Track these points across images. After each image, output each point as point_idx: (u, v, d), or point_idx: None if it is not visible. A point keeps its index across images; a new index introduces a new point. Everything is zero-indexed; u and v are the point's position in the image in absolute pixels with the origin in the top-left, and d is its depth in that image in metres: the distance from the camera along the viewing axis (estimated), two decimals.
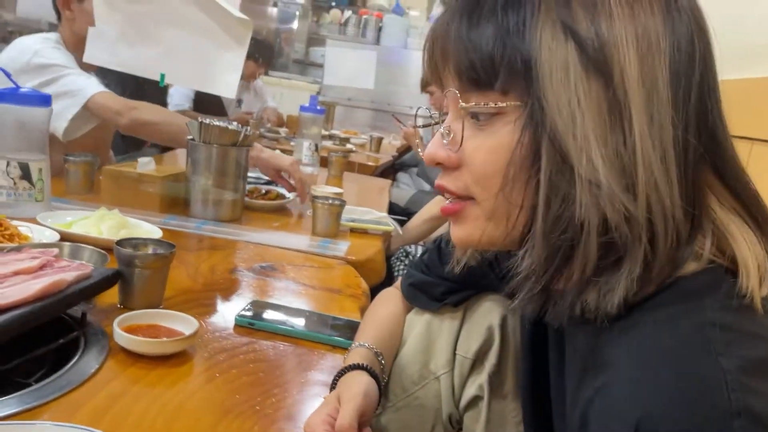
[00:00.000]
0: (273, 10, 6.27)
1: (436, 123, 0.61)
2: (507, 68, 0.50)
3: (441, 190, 0.58)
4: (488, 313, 0.83)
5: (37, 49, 1.69)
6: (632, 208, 0.47)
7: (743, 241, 0.50)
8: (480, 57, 0.51)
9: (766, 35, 1.01)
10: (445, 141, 0.55)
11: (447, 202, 0.58)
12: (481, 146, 0.53)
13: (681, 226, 0.49)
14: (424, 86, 3.20)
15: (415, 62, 5.37)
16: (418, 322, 0.87)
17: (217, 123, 1.46)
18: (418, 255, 0.96)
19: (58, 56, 1.71)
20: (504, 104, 0.51)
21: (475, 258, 0.68)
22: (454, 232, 0.58)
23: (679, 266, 0.49)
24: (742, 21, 1.27)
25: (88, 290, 0.81)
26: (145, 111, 1.73)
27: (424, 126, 0.72)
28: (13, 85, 1.28)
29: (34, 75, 1.66)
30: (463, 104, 0.53)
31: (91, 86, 1.69)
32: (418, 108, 0.68)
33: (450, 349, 0.83)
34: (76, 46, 1.81)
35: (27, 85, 1.66)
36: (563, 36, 0.48)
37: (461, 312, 0.85)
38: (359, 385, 0.71)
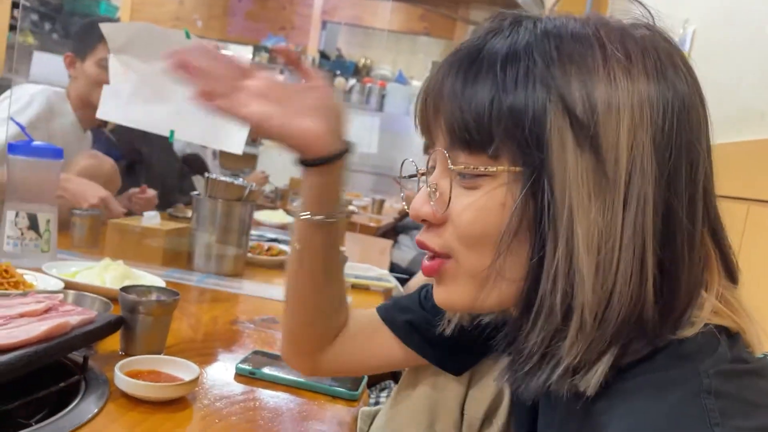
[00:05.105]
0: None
1: (422, 174, 0.60)
2: (502, 133, 0.48)
3: (421, 247, 0.56)
4: (497, 372, 0.80)
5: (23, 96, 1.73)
6: (597, 292, 0.46)
7: (739, 306, 0.50)
8: (474, 118, 0.49)
9: (760, 99, 1.05)
10: (431, 198, 0.54)
11: (425, 259, 0.56)
12: (470, 207, 0.51)
13: (661, 305, 0.48)
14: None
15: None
16: (422, 378, 0.83)
17: (223, 178, 1.49)
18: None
19: (22, 114, 1.70)
20: (494, 169, 0.50)
21: (466, 320, 0.67)
22: (437, 292, 0.57)
23: (673, 333, 0.48)
24: (738, 86, 1.31)
25: (91, 334, 0.81)
26: None
27: (409, 177, 0.67)
28: (27, 138, 1.32)
29: None
30: (452, 166, 0.51)
31: None
32: (404, 160, 0.66)
33: (458, 410, 0.80)
34: (78, 104, 1.87)
35: None
36: (558, 104, 0.47)
37: (468, 372, 0.83)
38: None
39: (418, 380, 0.83)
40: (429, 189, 0.54)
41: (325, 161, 0.68)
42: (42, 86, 1.85)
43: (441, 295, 0.56)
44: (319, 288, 0.74)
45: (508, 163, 0.49)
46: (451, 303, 0.56)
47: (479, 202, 0.51)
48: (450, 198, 0.53)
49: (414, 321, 0.78)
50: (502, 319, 0.63)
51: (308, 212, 0.69)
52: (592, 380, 0.47)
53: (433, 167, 0.56)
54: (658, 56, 0.49)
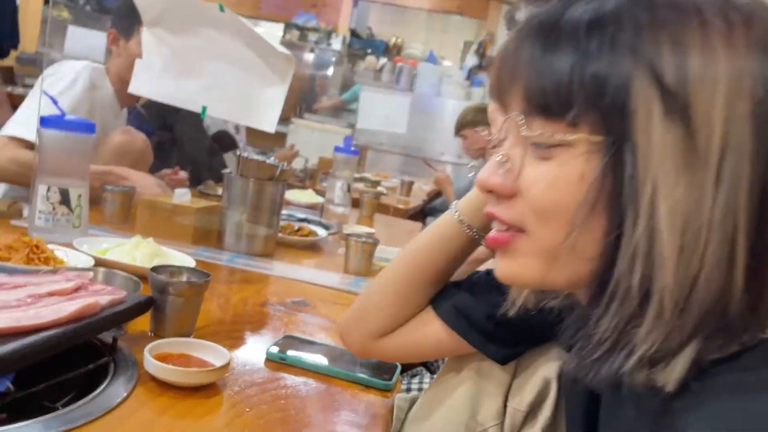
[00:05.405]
0: (310, 56, 6.41)
1: (494, 147, 0.57)
2: (583, 100, 0.45)
3: (491, 218, 0.54)
4: (545, 364, 0.76)
5: (65, 72, 1.73)
6: (680, 277, 0.43)
7: None
8: (554, 84, 0.47)
9: None
10: (500, 168, 0.51)
11: (494, 231, 0.54)
12: (544, 178, 0.48)
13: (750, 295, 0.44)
14: (458, 129, 3.21)
15: (447, 109, 5.42)
16: (466, 364, 0.80)
17: (255, 157, 1.46)
18: None
19: (70, 91, 1.69)
20: (573, 137, 0.46)
21: (532, 302, 0.62)
22: (501, 266, 0.54)
23: (761, 330, 0.44)
24: None
25: (120, 315, 0.79)
26: None
27: (494, 147, 0.70)
28: (59, 112, 1.30)
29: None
30: (526, 133, 0.49)
31: (11, 126, 1.61)
32: (485, 128, 0.64)
33: (501, 399, 0.77)
34: (116, 80, 1.86)
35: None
36: (646, 72, 0.44)
37: (514, 362, 0.79)
38: None
39: (461, 366, 0.81)
40: (499, 159, 0.51)
41: None
42: (84, 62, 1.83)
43: (505, 270, 0.53)
44: (425, 284, 0.77)
45: (588, 132, 0.46)
46: (517, 278, 0.53)
47: (552, 173, 0.48)
48: (522, 168, 0.50)
49: (460, 306, 0.76)
50: (567, 304, 0.59)
51: (463, 218, 0.74)
52: (672, 375, 0.44)
53: (503, 138, 0.53)
54: (763, 27, 0.45)
